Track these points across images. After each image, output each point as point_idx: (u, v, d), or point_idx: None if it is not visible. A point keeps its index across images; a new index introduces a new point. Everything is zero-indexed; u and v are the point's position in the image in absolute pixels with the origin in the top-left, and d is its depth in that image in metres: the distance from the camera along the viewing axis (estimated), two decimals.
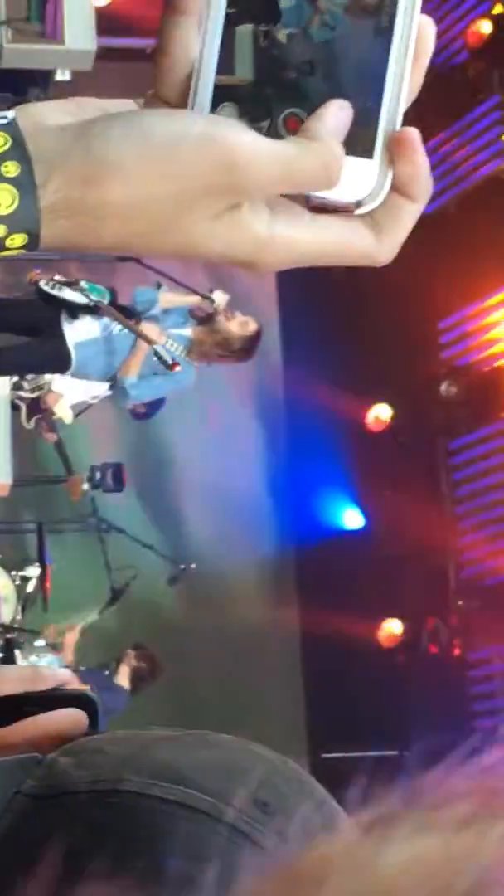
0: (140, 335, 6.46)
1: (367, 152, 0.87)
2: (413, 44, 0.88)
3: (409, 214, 0.90)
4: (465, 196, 8.85)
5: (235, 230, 0.84)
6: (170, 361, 6.12)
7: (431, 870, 0.37)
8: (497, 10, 8.54)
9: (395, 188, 0.88)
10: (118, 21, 7.90)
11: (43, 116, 0.83)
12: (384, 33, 0.87)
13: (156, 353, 6.18)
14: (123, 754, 0.85)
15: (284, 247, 0.86)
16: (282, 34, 0.87)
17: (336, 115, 0.86)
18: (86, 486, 7.63)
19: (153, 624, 8.49)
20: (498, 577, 8.29)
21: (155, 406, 7.51)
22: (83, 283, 6.55)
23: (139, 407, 7.40)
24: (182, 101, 0.87)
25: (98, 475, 7.78)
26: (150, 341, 6.33)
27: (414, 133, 0.88)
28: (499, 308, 8.48)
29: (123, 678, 7.44)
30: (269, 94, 0.87)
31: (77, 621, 7.81)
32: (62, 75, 6.96)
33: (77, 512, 8.11)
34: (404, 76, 0.88)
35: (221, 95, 0.86)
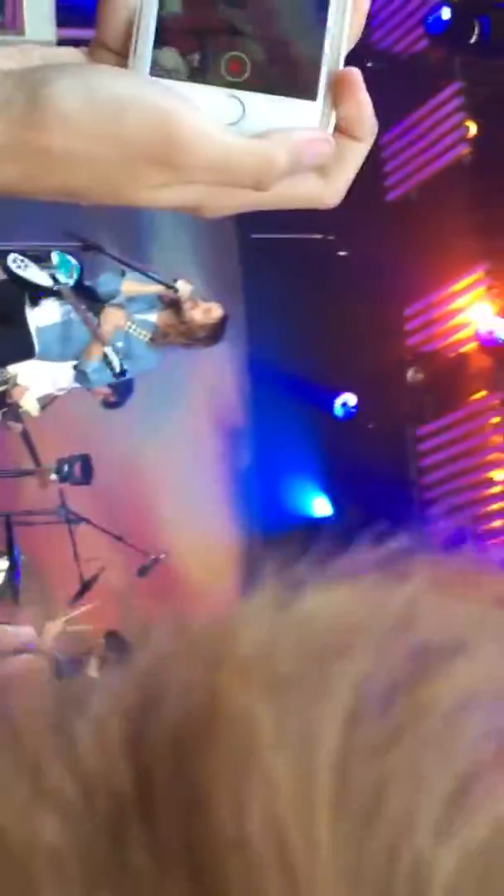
0: (95, 335, 6.48)
1: (311, 94, 0.87)
2: None
3: (354, 155, 0.89)
4: (427, 183, 8.88)
5: (179, 195, 0.85)
6: (117, 370, 6.14)
7: (348, 609, 0.39)
8: None
9: (340, 129, 0.88)
10: (78, 12, 7.87)
11: None
12: None
13: (105, 358, 6.21)
14: None
15: (229, 193, 0.86)
16: None
17: (304, 135, 0.86)
18: (54, 477, 7.61)
19: (123, 614, 8.48)
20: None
21: (124, 394, 7.50)
22: (54, 256, 6.54)
23: (109, 396, 7.38)
24: (124, 47, 0.87)
25: (66, 468, 7.76)
26: (103, 342, 6.36)
27: (356, 73, 0.87)
28: (464, 294, 8.51)
29: (94, 670, 7.42)
30: (211, 37, 0.87)
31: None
32: None
33: (45, 504, 8.09)
34: (345, 18, 0.87)
35: (163, 39, 0.87)
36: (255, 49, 0.86)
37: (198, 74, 0.86)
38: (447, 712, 0.36)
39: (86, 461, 7.88)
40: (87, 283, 6.82)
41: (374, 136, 0.90)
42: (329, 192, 0.89)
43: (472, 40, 8.35)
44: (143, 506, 9.18)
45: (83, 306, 6.56)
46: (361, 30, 0.89)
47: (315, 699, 0.35)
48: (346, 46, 0.88)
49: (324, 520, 9.39)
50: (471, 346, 8.41)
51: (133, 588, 8.51)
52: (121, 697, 0.38)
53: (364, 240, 8.70)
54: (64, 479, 7.76)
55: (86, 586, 7.89)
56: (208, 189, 0.85)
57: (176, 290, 6.81)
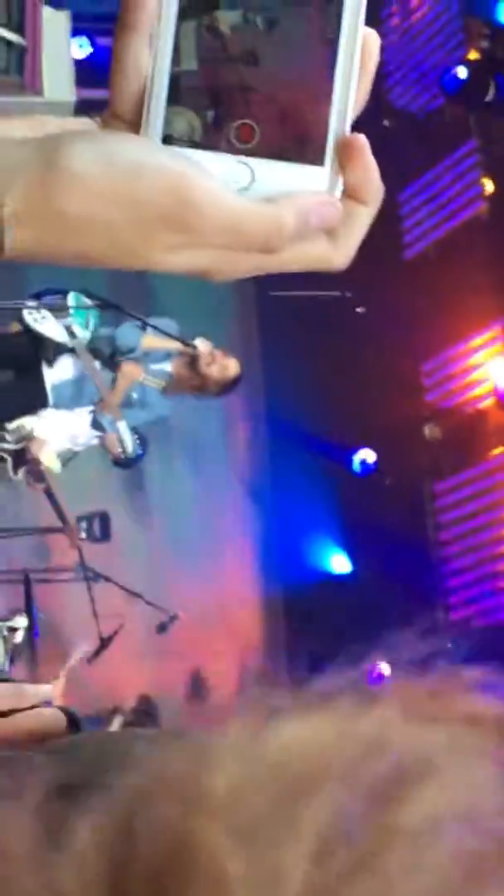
0: (105, 401, 6.55)
1: (318, 160, 0.90)
2: (358, 54, 0.89)
3: (361, 218, 0.92)
4: (444, 240, 8.91)
5: (191, 258, 0.87)
6: (129, 450, 6.19)
7: (319, 740, 0.41)
8: (472, 55, 8.62)
9: (347, 193, 0.90)
10: (97, 72, 7.95)
11: (4, 131, 0.86)
12: (330, 43, 0.89)
13: (118, 437, 6.27)
14: (100, 750, 0.87)
15: (240, 256, 0.88)
16: (225, 25, 0.89)
17: (312, 198, 0.88)
18: (83, 536, 7.62)
19: (143, 672, 8.46)
20: (486, 618, 8.29)
21: (139, 453, 7.51)
22: (71, 301, 6.57)
23: (120, 456, 7.40)
24: (136, 116, 0.89)
25: (85, 525, 7.76)
26: (113, 412, 6.42)
27: (362, 139, 0.90)
28: (481, 350, 8.52)
29: (116, 727, 7.39)
30: (225, 95, 0.88)
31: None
32: None
33: (63, 561, 8.09)
34: (351, 85, 0.89)
35: (178, 97, 0.88)
36: (265, 114, 0.88)
37: (208, 142, 0.88)
38: (415, 836, 0.37)
39: (104, 518, 7.89)
40: (104, 331, 6.85)
41: (380, 200, 0.92)
42: (337, 254, 0.91)
43: (488, 98, 8.40)
44: (161, 563, 9.18)
45: (97, 365, 6.61)
46: (367, 96, 0.91)
47: (282, 839, 0.37)
48: (352, 112, 0.90)
49: (342, 576, 9.37)
50: (489, 402, 8.42)
51: (152, 645, 8.51)
52: (101, 837, 0.39)
53: (381, 297, 8.73)
54: (83, 536, 7.76)
55: (104, 644, 7.88)
56: (219, 252, 0.87)
57: (195, 348, 6.85)
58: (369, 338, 8.64)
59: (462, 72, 8.55)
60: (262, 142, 0.89)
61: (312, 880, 0.36)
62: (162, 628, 8.12)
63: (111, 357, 6.77)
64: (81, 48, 8.50)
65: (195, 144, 0.88)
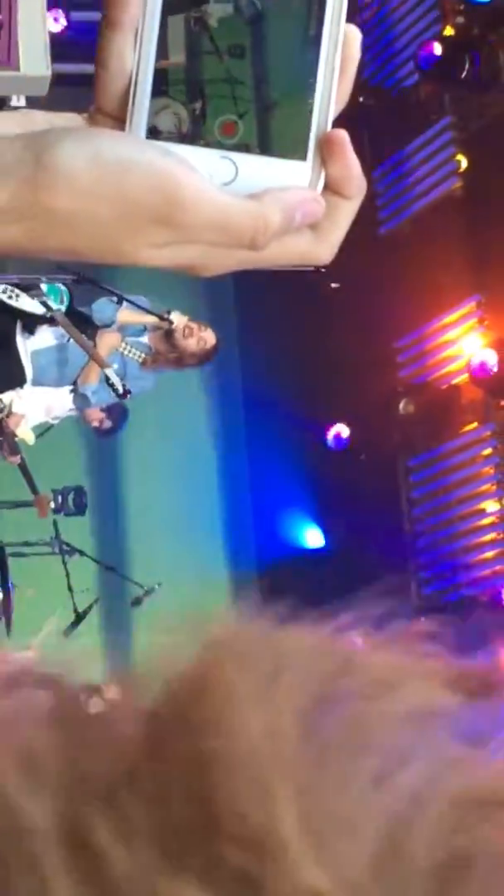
0: (92, 356, 6.50)
1: (301, 155, 0.91)
2: (340, 50, 0.91)
3: (344, 213, 0.94)
4: (419, 216, 8.92)
5: (177, 254, 0.89)
6: (120, 390, 6.16)
7: (321, 643, 0.48)
8: (447, 31, 8.61)
9: (329, 188, 0.92)
10: (73, 47, 7.93)
11: None
12: (313, 40, 0.91)
13: (107, 380, 6.22)
14: None
15: (225, 252, 0.89)
16: (213, 19, 0.91)
17: (297, 195, 0.90)
18: (52, 505, 7.62)
19: (118, 643, 8.48)
20: (459, 593, 8.34)
21: (119, 421, 7.50)
22: (43, 285, 6.55)
23: (103, 420, 7.39)
24: (122, 112, 0.90)
25: (59, 499, 7.77)
26: (101, 364, 6.38)
27: (342, 134, 0.91)
28: (455, 326, 8.54)
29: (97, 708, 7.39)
30: (208, 96, 0.90)
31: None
32: (17, 101, 6.95)
33: (38, 535, 8.09)
34: (333, 82, 0.91)
35: (166, 89, 0.90)
36: (248, 109, 0.90)
37: (193, 136, 0.90)
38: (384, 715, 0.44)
39: (80, 493, 7.91)
40: (80, 309, 6.84)
41: (363, 194, 0.94)
42: (322, 249, 0.93)
43: (463, 75, 8.41)
44: (136, 537, 9.20)
45: (77, 330, 6.58)
46: (349, 93, 0.93)
47: (278, 675, 0.44)
48: (334, 109, 0.92)
49: (317, 550, 9.40)
50: (462, 378, 8.44)
51: (128, 618, 8.52)
52: (145, 685, 0.47)
53: (356, 272, 8.73)
54: (57, 511, 7.77)
55: (80, 617, 7.90)
56: (205, 248, 0.88)
57: (171, 322, 6.85)
58: (344, 313, 8.65)
59: (437, 48, 8.55)
60: (245, 137, 0.91)
61: (302, 697, 0.43)
62: (137, 602, 8.14)
63: (88, 331, 6.75)
64: (56, 22, 8.48)
65: (180, 139, 0.90)
